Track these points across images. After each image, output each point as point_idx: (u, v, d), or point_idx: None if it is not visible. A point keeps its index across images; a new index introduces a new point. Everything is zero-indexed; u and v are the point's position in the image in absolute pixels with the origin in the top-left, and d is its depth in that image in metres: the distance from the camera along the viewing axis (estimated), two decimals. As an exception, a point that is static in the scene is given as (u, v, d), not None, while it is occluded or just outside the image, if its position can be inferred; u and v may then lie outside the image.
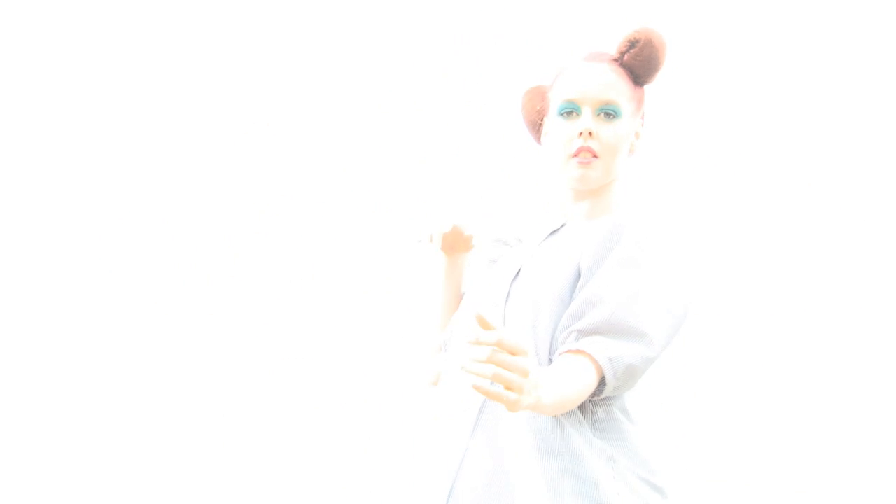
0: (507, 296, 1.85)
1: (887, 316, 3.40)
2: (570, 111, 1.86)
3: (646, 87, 1.92)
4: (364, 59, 3.72)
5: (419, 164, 3.64)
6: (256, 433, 3.60)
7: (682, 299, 1.77)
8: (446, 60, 3.69)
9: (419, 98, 3.69)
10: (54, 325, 3.63)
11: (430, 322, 2.08)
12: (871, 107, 3.46)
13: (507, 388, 1.42)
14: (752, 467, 3.38)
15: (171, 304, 3.66)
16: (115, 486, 3.56)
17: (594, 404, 1.76)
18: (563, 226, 1.95)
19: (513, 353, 1.42)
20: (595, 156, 1.84)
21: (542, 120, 1.97)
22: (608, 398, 1.78)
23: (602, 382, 1.70)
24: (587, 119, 1.84)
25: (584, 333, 1.70)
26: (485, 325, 1.41)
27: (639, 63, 1.87)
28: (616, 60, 1.88)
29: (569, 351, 1.69)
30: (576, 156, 1.84)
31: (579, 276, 1.79)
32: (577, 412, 1.74)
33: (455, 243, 2.01)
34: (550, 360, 1.75)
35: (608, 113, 1.85)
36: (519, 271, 1.88)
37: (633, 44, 1.86)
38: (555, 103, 1.89)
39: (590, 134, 1.83)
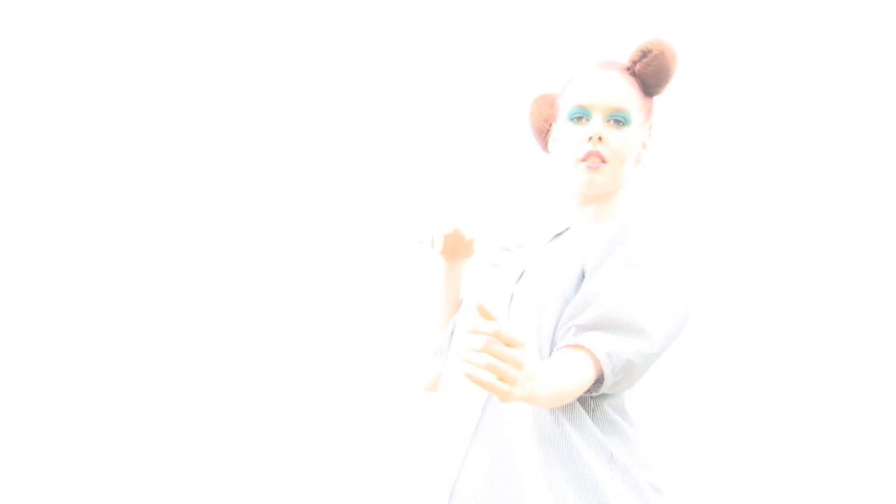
0: (512, 296, 1.85)
1: (887, 317, 3.40)
2: (581, 116, 1.87)
3: (655, 98, 1.94)
4: (364, 60, 3.72)
5: (419, 164, 3.64)
6: (256, 433, 3.60)
7: (682, 301, 1.78)
8: (446, 60, 3.69)
9: (419, 98, 3.69)
10: (54, 324, 3.63)
11: (426, 326, 2.08)
12: (869, 115, 3.46)
13: (501, 378, 1.42)
14: (752, 467, 3.38)
15: (171, 304, 3.66)
16: (115, 486, 3.56)
17: (595, 402, 1.77)
18: (567, 229, 1.96)
19: (509, 345, 1.43)
20: (603, 161, 1.85)
21: (549, 127, 1.98)
22: (608, 399, 1.78)
23: (600, 378, 1.70)
24: (597, 124, 1.85)
25: (583, 328, 1.71)
26: (485, 314, 1.41)
27: (650, 73, 1.88)
28: (628, 69, 1.90)
29: (567, 345, 1.69)
30: (584, 160, 1.85)
31: (583, 276, 1.80)
32: (579, 411, 1.75)
33: (455, 247, 2.01)
34: None
35: (618, 120, 1.86)
36: (523, 273, 1.89)
37: (645, 53, 1.88)
38: (565, 108, 1.90)
39: (599, 139, 1.84)
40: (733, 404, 3.41)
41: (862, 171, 3.47)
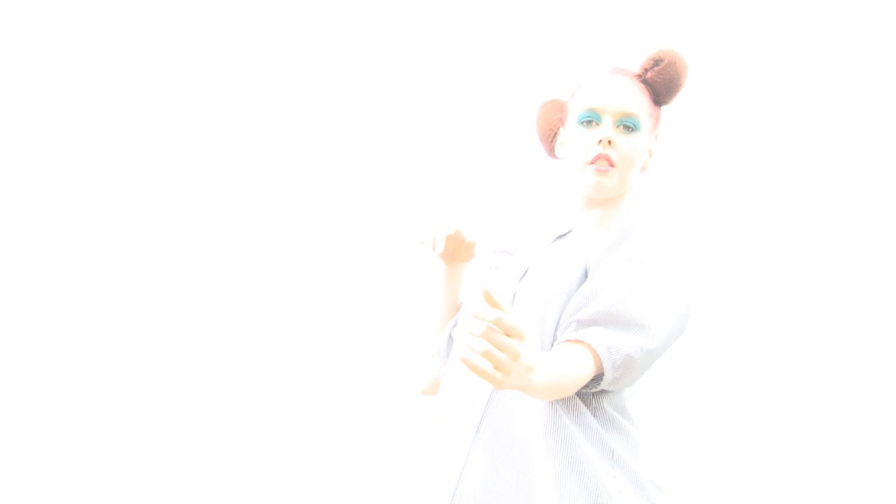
0: (514, 294, 1.87)
1: (887, 317, 3.40)
2: (591, 120, 1.88)
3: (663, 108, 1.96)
4: (364, 60, 3.72)
5: (420, 164, 3.64)
6: (256, 433, 3.60)
7: (683, 300, 1.79)
8: (446, 60, 3.69)
9: (419, 98, 3.69)
10: (54, 324, 3.63)
11: (424, 329, 2.08)
12: (868, 119, 3.46)
13: (496, 367, 1.43)
14: (752, 467, 3.39)
15: (171, 304, 3.66)
16: (115, 486, 3.56)
17: (596, 401, 1.77)
18: (569, 232, 1.97)
19: (509, 335, 1.43)
20: (612, 165, 1.86)
21: (555, 132, 2.00)
22: (609, 398, 1.79)
23: (600, 374, 1.71)
24: (607, 128, 1.87)
25: (584, 324, 1.72)
26: (491, 302, 1.42)
27: (661, 81, 1.90)
28: (639, 76, 1.92)
29: (568, 340, 1.70)
30: (593, 163, 1.87)
31: (586, 275, 1.81)
32: (581, 408, 1.75)
33: (456, 250, 2.01)
34: None
35: (627, 126, 1.87)
36: (526, 271, 1.90)
37: (657, 62, 1.90)
38: (575, 112, 1.92)
39: (609, 142, 1.86)
40: (733, 404, 3.42)
41: (861, 172, 3.47)
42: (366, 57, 3.72)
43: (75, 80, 3.70)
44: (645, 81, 1.91)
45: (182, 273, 3.66)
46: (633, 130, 1.88)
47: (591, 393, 1.76)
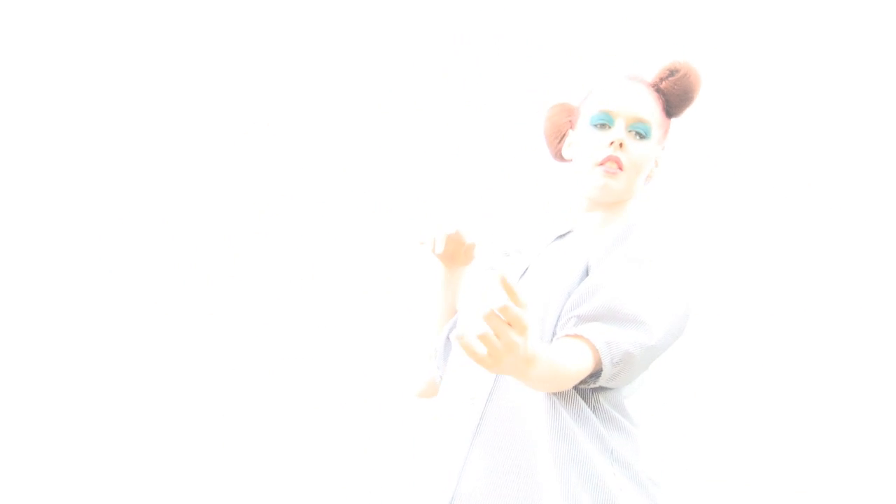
0: None
1: (886, 318, 3.40)
2: (604, 123, 1.90)
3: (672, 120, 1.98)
4: (364, 60, 3.72)
5: (420, 165, 3.64)
6: (256, 433, 3.60)
7: (683, 299, 1.80)
8: (446, 60, 3.69)
9: (419, 98, 3.69)
10: (54, 324, 3.63)
11: (422, 331, 2.09)
12: (867, 118, 3.46)
13: (489, 353, 1.43)
14: (752, 467, 3.39)
15: (171, 304, 3.66)
16: (115, 486, 3.56)
17: (595, 399, 1.78)
18: (569, 232, 1.98)
19: (511, 324, 1.43)
20: (621, 168, 1.88)
21: (563, 134, 2.01)
22: (607, 396, 1.79)
23: (599, 370, 1.71)
24: (620, 131, 1.88)
25: (583, 319, 1.72)
26: (507, 288, 1.42)
27: (675, 92, 1.92)
28: (653, 85, 1.93)
29: (567, 335, 1.71)
30: (602, 164, 1.87)
31: (587, 273, 1.82)
32: (581, 406, 1.76)
33: (456, 253, 2.02)
34: None
35: (639, 132, 1.89)
36: (526, 270, 1.91)
37: (672, 72, 1.92)
38: (588, 113, 1.93)
39: (620, 145, 1.87)
40: (733, 404, 3.42)
41: (860, 172, 3.47)
42: (366, 57, 3.72)
43: (75, 80, 3.71)
44: (659, 91, 1.93)
45: (182, 273, 3.66)
46: (644, 137, 1.89)
47: (591, 390, 1.77)
